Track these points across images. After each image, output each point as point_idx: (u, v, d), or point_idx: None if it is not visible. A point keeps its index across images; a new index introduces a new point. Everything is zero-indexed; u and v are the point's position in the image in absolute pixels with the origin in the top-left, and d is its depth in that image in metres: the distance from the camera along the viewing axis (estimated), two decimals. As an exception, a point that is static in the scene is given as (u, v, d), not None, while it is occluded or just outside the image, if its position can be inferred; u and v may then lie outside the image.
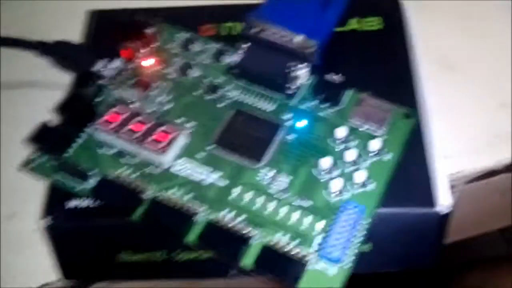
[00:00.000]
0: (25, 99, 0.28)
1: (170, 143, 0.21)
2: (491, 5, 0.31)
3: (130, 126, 0.22)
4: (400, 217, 0.22)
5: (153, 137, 0.21)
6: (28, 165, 0.22)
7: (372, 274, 0.23)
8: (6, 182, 0.25)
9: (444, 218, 0.22)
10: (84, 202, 0.22)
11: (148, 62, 0.24)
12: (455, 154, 0.26)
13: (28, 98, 0.28)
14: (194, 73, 0.24)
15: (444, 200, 0.21)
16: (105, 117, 0.22)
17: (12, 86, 0.29)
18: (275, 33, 0.24)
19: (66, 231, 0.22)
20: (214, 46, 0.25)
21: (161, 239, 0.22)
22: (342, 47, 0.26)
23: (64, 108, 0.22)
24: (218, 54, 0.25)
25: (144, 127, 0.22)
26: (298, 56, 0.24)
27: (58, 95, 0.25)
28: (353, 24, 0.27)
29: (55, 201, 0.22)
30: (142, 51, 0.25)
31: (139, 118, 0.22)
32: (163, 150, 0.21)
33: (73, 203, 0.22)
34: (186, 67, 0.24)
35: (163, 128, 0.22)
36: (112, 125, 0.22)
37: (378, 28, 0.27)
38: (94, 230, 0.22)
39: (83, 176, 0.21)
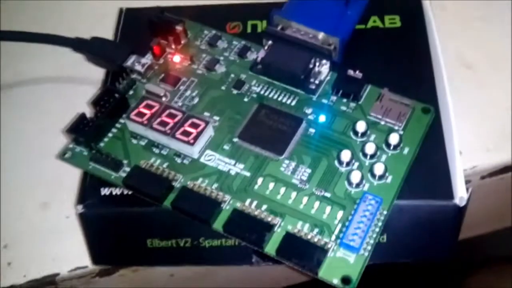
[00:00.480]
0: (56, 93, 0.29)
1: (199, 135, 0.22)
2: (510, 6, 0.31)
3: (161, 118, 0.22)
4: (419, 208, 0.22)
5: (183, 129, 0.22)
6: (64, 155, 0.23)
7: (388, 265, 0.23)
8: (41, 173, 0.27)
9: (462, 211, 0.22)
10: (117, 190, 0.23)
11: (177, 58, 0.25)
12: (469, 150, 0.26)
13: (60, 92, 0.29)
14: (221, 68, 0.25)
15: (462, 193, 0.22)
16: (138, 110, 0.23)
17: (46, 81, 0.30)
18: (298, 31, 0.25)
19: (100, 216, 0.23)
20: (240, 43, 0.26)
21: (187, 227, 0.23)
22: (363, 44, 0.27)
23: (99, 101, 0.23)
24: (244, 51, 0.26)
25: (175, 120, 0.22)
26: (320, 52, 0.24)
27: (90, 89, 0.26)
28: (374, 22, 0.28)
29: (90, 188, 0.23)
30: (171, 47, 0.26)
31: (170, 110, 0.23)
32: (193, 141, 0.22)
33: (107, 191, 0.23)
34: (214, 63, 0.25)
35: (192, 120, 0.22)
36: (144, 118, 0.23)
37: (399, 25, 0.28)
38: (126, 217, 0.23)
39: (117, 165, 0.22)
